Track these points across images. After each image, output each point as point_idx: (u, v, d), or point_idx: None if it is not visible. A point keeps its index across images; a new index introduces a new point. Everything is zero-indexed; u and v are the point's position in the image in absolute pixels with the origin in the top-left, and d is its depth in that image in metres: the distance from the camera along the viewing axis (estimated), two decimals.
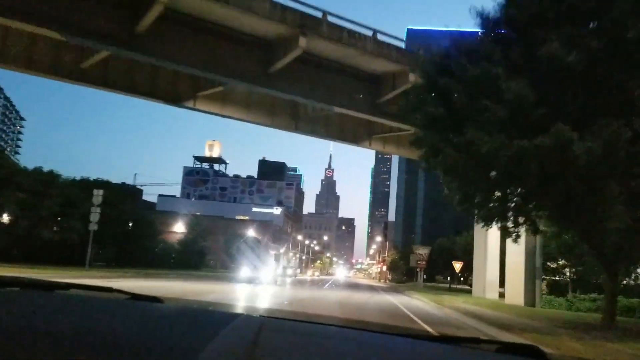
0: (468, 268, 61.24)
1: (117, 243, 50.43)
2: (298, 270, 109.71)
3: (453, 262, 49.91)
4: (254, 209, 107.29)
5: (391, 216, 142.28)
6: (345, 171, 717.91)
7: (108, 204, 46.42)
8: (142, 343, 1.15)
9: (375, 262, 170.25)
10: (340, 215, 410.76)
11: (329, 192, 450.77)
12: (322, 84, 23.34)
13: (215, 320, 1.47)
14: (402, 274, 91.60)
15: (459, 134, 12.12)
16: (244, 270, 28.15)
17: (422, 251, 48.99)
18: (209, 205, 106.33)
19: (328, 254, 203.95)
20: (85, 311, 1.50)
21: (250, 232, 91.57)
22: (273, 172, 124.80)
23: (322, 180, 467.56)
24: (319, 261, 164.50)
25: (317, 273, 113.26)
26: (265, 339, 1.31)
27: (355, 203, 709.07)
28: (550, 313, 20.59)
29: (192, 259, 69.28)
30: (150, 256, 56.47)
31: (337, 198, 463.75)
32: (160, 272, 43.79)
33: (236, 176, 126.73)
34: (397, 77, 23.10)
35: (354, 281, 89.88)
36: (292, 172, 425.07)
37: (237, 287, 23.31)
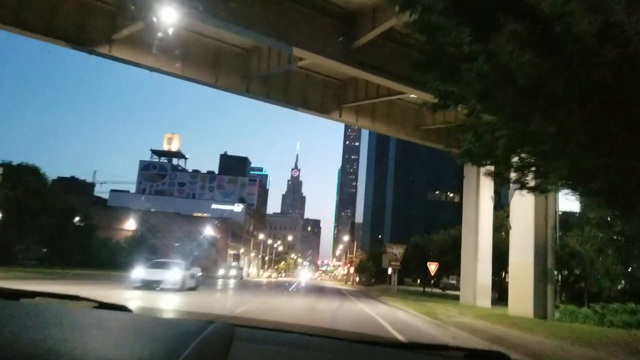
0: (441, 269, 56.41)
1: (49, 240, 44.02)
2: (251, 270, 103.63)
3: (428, 264, 44.60)
4: (214, 206, 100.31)
5: (358, 216, 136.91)
6: (312, 171, 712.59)
7: (32, 193, 39.61)
8: (111, 356, 1.14)
9: (341, 263, 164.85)
10: (306, 217, 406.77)
11: (295, 193, 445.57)
12: (281, 17, 17.22)
13: (185, 330, 1.47)
14: (370, 276, 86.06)
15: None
16: (136, 271, 21.16)
17: (397, 250, 43.26)
18: (166, 201, 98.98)
19: (293, 255, 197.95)
20: (52, 321, 1.50)
21: (208, 230, 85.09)
22: (235, 167, 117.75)
23: (288, 181, 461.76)
24: (282, 262, 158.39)
25: (274, 274, 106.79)
26: (237, 349, 1.33)
27: (321, 204, 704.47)
28: (586, 331, 14.93)
29: (141, 258, 62.97)
30: (92, 254, 49.68)
31: (304, 199, 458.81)
32: (89, 272, 37.56)
33: (195, 171, 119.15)
34: (378, 12, 17.20)
35: (319, 284, 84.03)
36: (258, 172, 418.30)
37: (115, 294, 16.69)
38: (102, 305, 1.79)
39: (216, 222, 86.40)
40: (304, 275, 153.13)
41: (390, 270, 43.83)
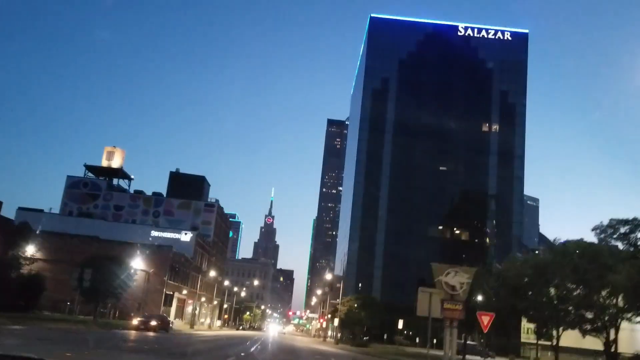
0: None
1: None
2: (203, 320, 77.88)
3: (479, 314, 23.64)
4: (154, 233, 75.67)
5: (340, 256, 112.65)
6: (286, 220, 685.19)
7: None
8: None
9: (317, 316, 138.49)
10: (278, 267, 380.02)
11: (267, 241, 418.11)
12: None
13: None
14: (361, 332, 61.64)
15: None
16: None
17: (458, 279, 19.96)
18: (93, 224, 74.16)
19: (262, 307, 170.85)
20: None
21: (136, 262, 60.74)
22: (189, 190, 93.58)
23: (262, 228, 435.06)
24: (247, 313, 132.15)
25: (238, 327, 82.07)
26: None
27: (295, 255, 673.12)
28: None
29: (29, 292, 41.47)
30: None
31: (277, 247, 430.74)
32: None
33: (138, 192, 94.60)
34: None
35: (289, 341, 59.68)
36: (231, 219, 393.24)
37: None
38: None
39: (147, 251, 61.93)
40: (273, 328, 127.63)
41: (446, 322, 19.93)
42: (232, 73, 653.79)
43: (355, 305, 61.06)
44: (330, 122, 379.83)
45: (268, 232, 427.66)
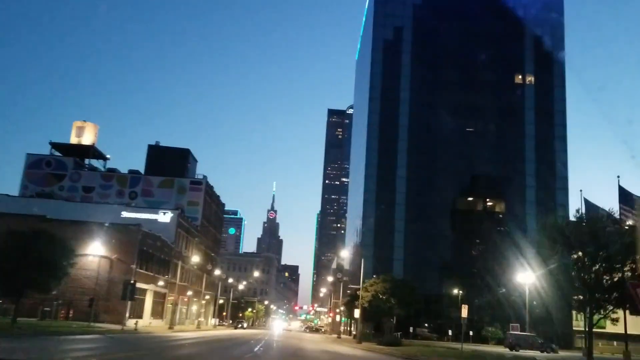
0: None
1: None
2: (200, 318, 62.80)
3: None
4: (126, 214, 61.24)
5: (351, 235, 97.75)
6: (289, 215, 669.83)
7: None
8: None
9: (326, 309, 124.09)
10: (283, 263, 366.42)
11: (271, 236, 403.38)
12: None
13: None
14: (391, 324, 47.04)
15: None
16: None
17: None
18: (55, 206, 59.62)
19: (267, 301, 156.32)
20: None
21: (95, 246, 46.86)
22: (171, 165, 79.00)
23: (264, 223, 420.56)
24: (249, 309, 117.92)
25: (219, 326, 68.70)
26: None
27: (299, 251, 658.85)
28: None
29: None
30: None
31: (280, 242, 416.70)
32: None
33: (111, 170, 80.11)
34: None
35: (296, 340, 45.61)
36: (233, 216, 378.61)
37: None
38: None
39: (108, 231, 47.83)
40: (277, 325, 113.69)
41: None
42: (227, 62, 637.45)
43: (383, 289, 46.80)
44: (331, 112, 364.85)
45: (271, 227, 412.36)
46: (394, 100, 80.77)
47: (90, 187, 76.52)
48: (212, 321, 78.35)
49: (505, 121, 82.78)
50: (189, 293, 65.98)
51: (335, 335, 64.02)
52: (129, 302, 44.20)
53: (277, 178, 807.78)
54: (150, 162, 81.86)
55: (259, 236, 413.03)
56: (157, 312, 56.68)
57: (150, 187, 76.65)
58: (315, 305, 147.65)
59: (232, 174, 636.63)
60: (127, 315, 45.71)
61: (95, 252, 46.72)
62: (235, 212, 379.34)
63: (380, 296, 49.04)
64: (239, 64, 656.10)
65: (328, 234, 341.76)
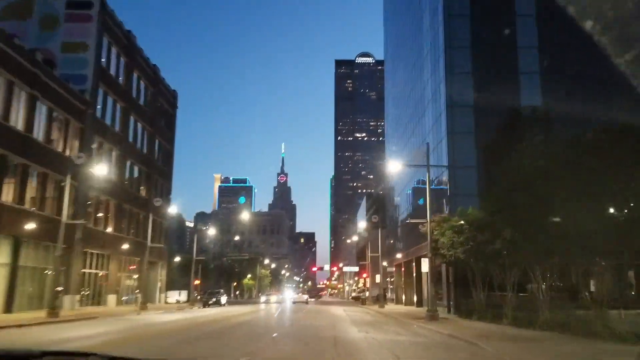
0: None
1: None
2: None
3: None
4: None
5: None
6: (301, 177, 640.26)
7: None
8: None
9: (357, 269, 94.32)
10: (298, 230, 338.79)
11: (283, 201, 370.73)
12: None
13: None
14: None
15: None
16: None
17: None
18: None
19: (274, 265, 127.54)
20: None
21: None
22: None
23: (275, 188, 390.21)
24: (248, 276, 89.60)
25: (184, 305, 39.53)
26: None
27: (315, 218, 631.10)
28: None
29: None
30: None
31: (294, 207, 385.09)
32: None
33: None
34: None
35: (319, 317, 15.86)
36: (242, 184, 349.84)
37: None
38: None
39: None
40: (288, 297, 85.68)
41: None
42: (227, 16, 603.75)
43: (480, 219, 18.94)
44: (339, 63, 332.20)
45: (282, 192, 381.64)
46: None
47: None
48: (171, 297, 49.20)
49: None
50: (111, 227, 36.70)
51: (378, 305, 35.20)
52: None
53: (286, 139, 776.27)
54: None
55: (270, 202, 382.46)
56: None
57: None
58: (340, 264, 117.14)
59: (236, 136, 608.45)
60: None
61: None
62: (244, 180, 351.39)
63: (476, 234, 20.95)
64: (241, 16, 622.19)
65: (345, 194, 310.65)
